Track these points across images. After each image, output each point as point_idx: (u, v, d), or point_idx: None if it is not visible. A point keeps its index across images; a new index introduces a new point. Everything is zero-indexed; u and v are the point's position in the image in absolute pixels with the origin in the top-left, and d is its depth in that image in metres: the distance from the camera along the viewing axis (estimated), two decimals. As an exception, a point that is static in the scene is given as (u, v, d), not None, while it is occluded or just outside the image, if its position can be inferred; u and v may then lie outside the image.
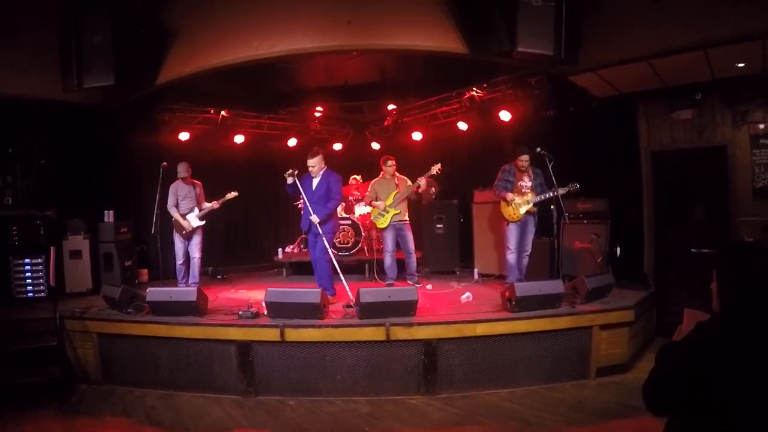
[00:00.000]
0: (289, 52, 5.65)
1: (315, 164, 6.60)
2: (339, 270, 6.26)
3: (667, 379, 1.94)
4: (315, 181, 6.62)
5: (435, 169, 7.08)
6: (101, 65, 5.75)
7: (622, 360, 5.52)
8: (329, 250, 6.37)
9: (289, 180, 6.44)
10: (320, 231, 6.32)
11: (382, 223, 7.28)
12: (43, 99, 6.38)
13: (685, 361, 1.89)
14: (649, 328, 6.46)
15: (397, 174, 7.48)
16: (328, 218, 6.52)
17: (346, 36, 5.54)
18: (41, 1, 5.91)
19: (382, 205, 7.27)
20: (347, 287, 6.00)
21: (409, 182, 7.37)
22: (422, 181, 7.13)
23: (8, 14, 6.00)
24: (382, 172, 7.51)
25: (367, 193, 7.58)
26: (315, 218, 6.34)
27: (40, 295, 6.84)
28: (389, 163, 7.41)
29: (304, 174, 6.64)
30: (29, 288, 6.95)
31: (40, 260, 6.86)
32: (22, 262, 6.92)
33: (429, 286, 7.30)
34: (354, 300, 5.54)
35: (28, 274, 6.95)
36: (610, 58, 5.71)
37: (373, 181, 7.61)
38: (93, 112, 7.07)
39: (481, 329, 5.14)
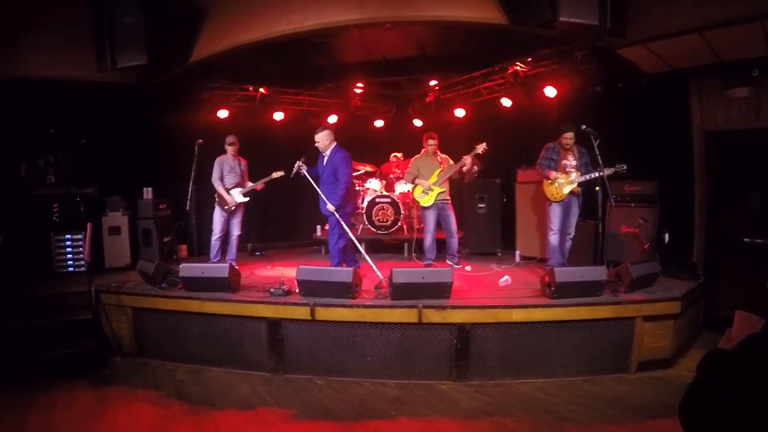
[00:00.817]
0: (321, 26, 5.52)
1: (320, 140, 6.48)
2: (362, 249, 6.19)
3: (707, 395, 1.66)
4: (324, 160, 6.51)
5: (480, 148, 6.88)
6: (134, 45, 5.80)
7: (666, 354, 5.22)
8: (348, 230, 6.32)
9: (295, 168, 6.42)
10: (338, 217, 6.27)
11: (427, 201, 7.12)
12: (80, 80, 6.46)
13: (731, 378, 1.62)
14: (696, 322, 6.11)
15: (438, 152, 7.31)
16: (344, 203, 6.38)
17: (379, 8, 5.38)
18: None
19: (427, 184, 7.10)
20: (374, 267, 5.90)
21: (451, 161, 7.20)
22: (467, 160, 6.94)
23: (42, 1, 6.12)
24: (423, 149, 7.35)
25: (409, 170, 7.38)
26: (331, 208, 6.27)
27: (80, 269, 7.00)
28: (431, 141, 7.24)
29: (321, 154, 6.57)
30: (69, 263, 7.14)
31: (80, 236, 7.02)
32: (62, 237, 7.12)
33: (468, 268, 7.14)
34: (384, 280, 5.46)
35: (69, 250, 7.14)
36: (660, 29, 5.34)
37: (414, 158, 7.44)
38: (131, 92, 7.15)
39: (517, 315, 4.95)
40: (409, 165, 7.43)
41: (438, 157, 7.25)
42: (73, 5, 6.13)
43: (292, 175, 6.50)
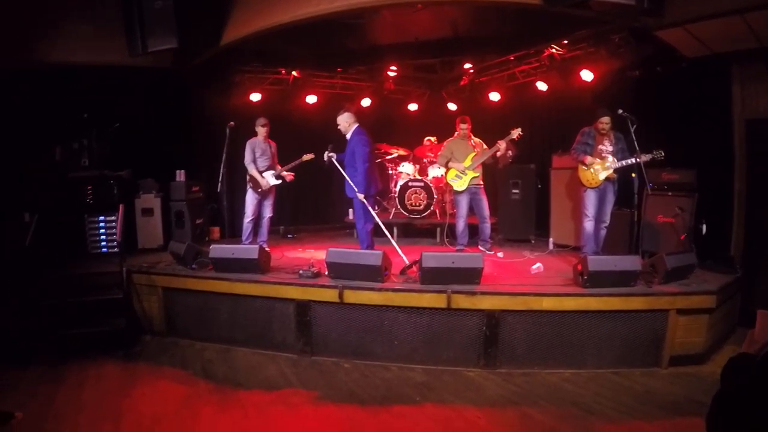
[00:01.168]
0: (350, 7, 5.47)
1: (341, 122, 6.40)
2: (387, 233, 6.18)
3: (733, 406, 1.55)
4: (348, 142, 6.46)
5: (515, 133, 6.80)
6: (164, 29, 5.87)
7: (699, 350, 5.06)
8: (374, 214, 6.33)
9: (325, 157, 6.44)
10: (366, 203, 6.28)
11: (460, 185, 7.03)
12: (113, 65, 6.57)
13: (757, 386, 1.51)
14: (731, 318, 5.90)
15: (471, 136, 7.23)
16: (368, 185, 6.29)
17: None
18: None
19: (461, 167, 7.01)
20: (400, 251, 5.87)
21: (485, 145, 7.11)
22: (502, 145, 6.84)
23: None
24: (456, 132, 7.27)
25: (442, 152, 7.28)
26: (360, 196, 6.22)
27: (113, 250, 7.13)
28: (463, 125, 7.15)
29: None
30: (103, 244, 7.28)
31: (113, 218, 7.13)
32: (96, 219, 7.26)
33: (500, 254, 7.07)
34: (411, 265, 5.43)
35: (102, 231, 7.28)
36: (699, 10, 5.13)
37: (447, 141, 7.35)
38: (164, 76, 7.25)
39: (548, 303, 4.86)
40: (442, 148, 7.34)
41: (471, 141, 7.16)
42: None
43: (326, 163, 6.51)
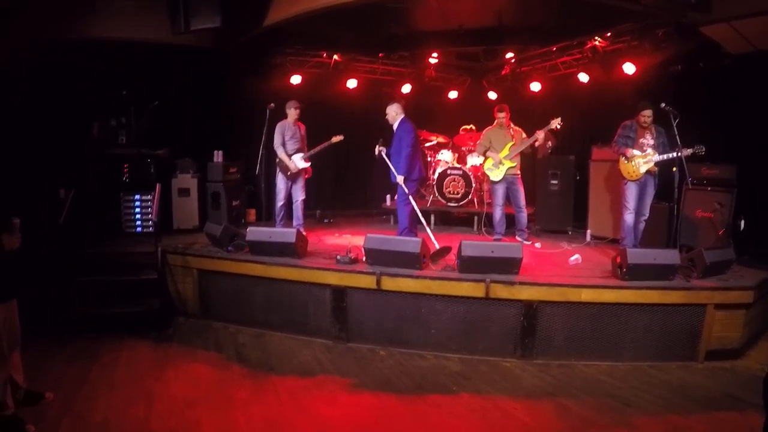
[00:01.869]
0: (398, -10, 5.43)
1: (389, 113, 6.60)
2: (423, 219, 6.23)
3: None
4: (394, 132, 6.58)
5: (555, 123, 6.75)
6: (207, 7, 5.84)
7: (735, 345, 5.06)
8: (411, 198, 6.37)
9: (376, 151, 6.55)
10: (404, 186, 6.35)
11: (496, 175, 7.03)
12: (154, 42, 6.56)
13: None
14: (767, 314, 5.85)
15: (511, 124, 7.19)
16: (410, 169, 6.39)
17: (456, -28, 5.24)
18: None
19: (498, 157, 6.99)
20: (432, 237, 5.89)
21: (524, 134, 7.08)
22: (540, 135, 6.81)
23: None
24: (496, 121, 7.23)
25: (480, 141, 7.27)
26: (400, 179, 6.33)
27: (148, 230, 7.16)
28: (501, 114, 7.11)
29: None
30: (138, 223, 7.32)
31: (149, 197, 7.16)
32: (132, 198, 7.29)
33: (538, 245, 7.04)
34: (442, 251, 5.46)
35: (138, 210, 7.31)
36: (746, 7, 5.12)
37: (486, 129, 7.32)
38: (204, 55, 7.23)
39: (586, 295, 4.85)
40: (481, 137, 7.32)
41: (510, 130, 7.12)
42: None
43: (376, 156, 6.64)
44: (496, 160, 7.00)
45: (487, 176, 7.26)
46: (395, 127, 6.55)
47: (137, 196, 7.27)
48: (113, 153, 7.26)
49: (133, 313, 5.57)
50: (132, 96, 7.37)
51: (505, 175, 6.99)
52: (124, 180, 7.31)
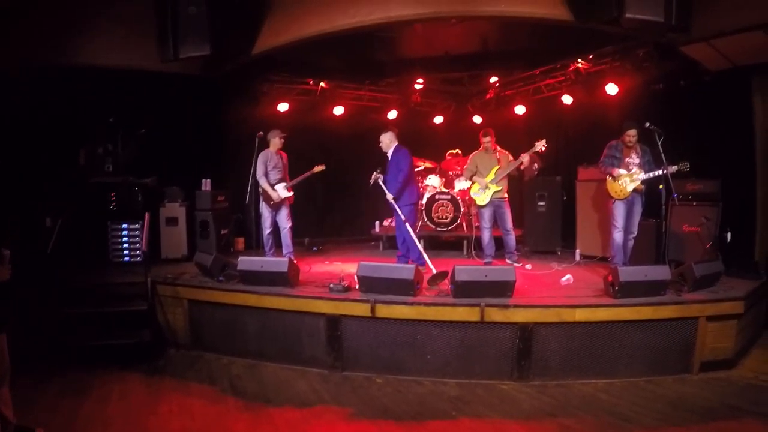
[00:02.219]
0: (387, 20, 5.49)
1: (383, 140, 6.78)
2: (418, 244, 6.28)
3: None
4: (389, 159, 6.75)
5: (539, 145, 6.82)
6: (196, 35, 5.81)
7: (728, 355, 5.13)
8: (406, 224, 6.42)
9: (372, 178, 6.61)
10: (396, 208, 6.43)
11: (483, 199, 7.09)
12: (142, 70, 6.53)
13: None
14: (758, 322, 5.98)
15: (498, 147, 7.25)
16: (401, 192, 6.56)
17: (444, 3, 5.37)
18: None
19: (484, 182, 7.04)
20: (429, 262, 5.90)
21: (511, 157, 7.13)
22: (525, 158, 6.90)
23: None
24: (481, 145, 7.29)
25: (467, 166, 7.36)
26: (389, 196, 6.48)
27: (135, 259, 7.10)
28: (486, 138, 7.17)
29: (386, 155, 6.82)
30: (125, 252, 7.24)
31: (136, 226, 7.10)
32: (119, 227, 7.21)
33: (528, 266, 7.08)
34: (441, 274, 5.44)
35: (125, 239, 7.23)
36: (724, 25, 5.29)
37: (473, 154, 7.39)
38: (192, 83, 7.23)
39: (580, 315, 4.88)
40: (468, 161, 7.39)
41: (497, 154, 7.17)
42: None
43: (371, 184, 6.68)
44: (482, 185, 7.06)
45: (474, 201, 7.31)
46: (390, 154, 6.72)
47: (125, 225, 7.20)
48: (100, 181, 7.19)
49: (123, 345, 5.48)
50: (119, 123, 7.33)
51: (491, 199, 7.05)
52: (111, 208, 7.22)
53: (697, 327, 4.99)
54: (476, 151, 7.34)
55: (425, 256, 6.20)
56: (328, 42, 6.14)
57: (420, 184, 9.43)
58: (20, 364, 4.08)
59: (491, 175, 7.03)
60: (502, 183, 7.04)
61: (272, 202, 7.06)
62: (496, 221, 7.20)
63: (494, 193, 7.02)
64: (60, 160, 6.99)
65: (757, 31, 5.19)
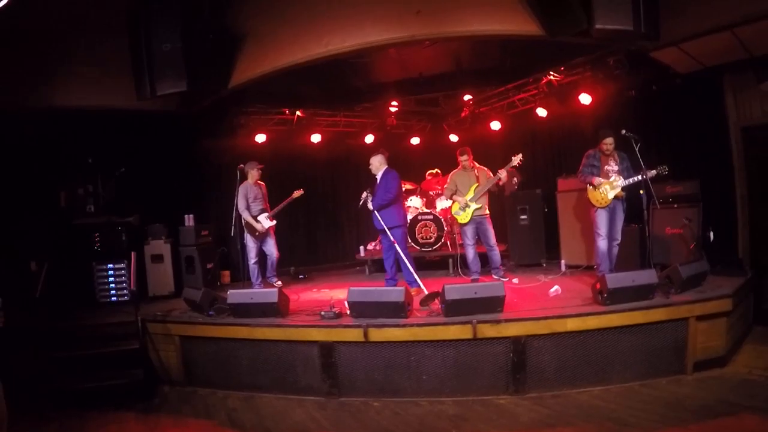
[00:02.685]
0: (360, 46, 5.55)
1: (372, 163, 6.88)
2: (410, 265, 6.33)
3: None
4: (378, 181, 6.81)
5: (516, 160, 6.87)
6: (172, 72, 5.81)
7: (720, 353, 5.18)
8: (396, 245, 6.49)
9: (362, 198, 6.74)
10: (387, 229, 6.47)
11: (464, 218, 7.11)
12: (120, 109, 6.54)
13: None
14: (747, 317, 6.05)
15: (476, 164, 7.30)
16: (382, 208, 6.62)
17: (417, 26, 5.41)
18: (110, 14, 6.03)
19: (464, 201, 7.08)
20: (421, 284, 5.93)
21: (490, 174, 7.17)
22: (503, 174, 6.92)
23: (80, 30, 6.18)
24: (459, 164, 7.35)
25: (446, 186, 7.40)
26: (369, 205, 6.62)
27: (123, 299, 7.05)
28: (463, 156, 7.22)
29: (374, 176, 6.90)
30: (112, 292, 7.18)
31: (122, 265, 7.07)
32: (105, 267, 7.16)
33: (515, 280, 7.10)
34: (433, 295, 5.45)
35: (111, 279, 7.18)
36: (692, 29, 5.37)
37: (451, 173, 7.43)
38: (170, 119, 7.24)
39: (571, 324, 4.91)
40: (447, 181, 7.44)
41: (475, 171, 7.22)
42: (110, 34, 6.19)
43: (360, 206, 6.80)
44: (462, 203, 7.10)
45: (455, 219, 7.33)
46: (379, 176, 6.79)
47: (110, 265, 7.14)
48: (83, 222, 7.15)
49: (117, 385, 5.43)
50: (98, 163, 7.31)
51: (472, 216, 7.07)
52: (95, 249, 7.17)
53: (687, 327, 5.03)
54: (455, 170, 7.40)
55: (416, 276, 6.22)
56: (303, 70, 6.18)
57: (402, 206, 9.57)
58: (15, 410, 4.02)
59: (470, 193, 7.07)
60: (481, 200, 7.06)
61: (257, 233, 7.20)
62: (479, 238, 7.22)
63: (475, 210, 7.04)
64: (41, 202, 6.95)
65: (724, 32, 5.30)
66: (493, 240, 7.13)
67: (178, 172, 8.25)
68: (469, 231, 7.14)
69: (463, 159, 7.21)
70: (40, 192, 6.94)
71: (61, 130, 6.91)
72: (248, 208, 7.19)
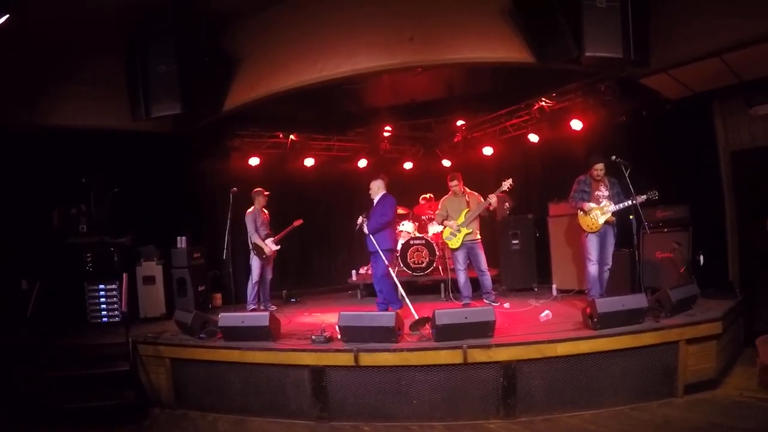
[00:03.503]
0: (354, 72, 5.61)
1: (372, 187, 7.08)
2: (401, 289, 6.36)
3: None
4: (374, 205, 6.94)
5: (506, 185, 6.90)
6: (168, 94, 5.85)
7: (711, 375, 5.20)
8: (388, 267, 6.64)
9: (358, 221, 6.85)
10: (380, 252, 6.56)
11: (454, 243, 7.13)
12: (114, 129, 6.58)
13: None
14: (738, 340, 6.10)
15: (467, 190, 7.33)
16: (376, 231, 6.73)
17: (410, 53, 5.48)
18: (107, 35, 6.08)
19: (455, 225, 7.11)
20: (411, 307, 5.96)
21: (481, 199, 7.20)
22: (493, 199, 6.95)
23: (76, 50, 6.22)
24: (450, 190, 7.38)
25: (438, 212, 7.44)
26: (365, 229, 6.72)
27: (114, 320, 7.01)
28: (453, 182, 7.26)
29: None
30: (104, 313, 7.14)
31: (114, 286, 7.03)
32: (96, 288, 7.12)
33: (507, 305, 7.09)
34: (423, 320, 5.46)
35: (103, 300, 7.13)
36: (681, 56, 5.48)
37: (443, 199, 7.48)
38: (164, 141, 7.29)
39: (562, 349, 4.92)
40: (438, 206, 7.48)
41: (466, 196, 7.24)
42: (107, 55, 6.24)
43: (356, 231, 6.91)
44: (454, 228, 7.12)
45: (447, 245, 7.35)
46: (376, 200, 6.93)
47: (102, 286, 7.11)
48: (75, 242, 7.12)
49: (107, 407, 5.38)
50: (91, 183, 7.31)
51: (463, 241, 7.09)
52: (87, 269, 7.14)
53: (677, 351, 5.06)
54: (446, 196, 7.44)
55: (408, 301, 6.23)
56: (298, 95, 6.23)
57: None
58: (4, 429, 3.99)
59: (461, 218, 7.10)
60: (472, 225, 7.09)
61: (264, 256, 7.47)
62: (471, 262, 7.22)
63: (466, 235, 7.06)
64: (34, 222, 6.93)
65: (713, 59, 5.39)
66: (484, 265, 7.14)
67: (172, 193, 8.24)
68: (460, 256, 7.15)
69: (453, 184, 7.25)
70: (32, 210, 6.93)
71: (55, 149, 6.94)
72: (257, 231, 7.48)
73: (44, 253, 6.87)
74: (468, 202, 7.17)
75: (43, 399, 5.35)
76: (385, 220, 6.69)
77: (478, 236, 7.18)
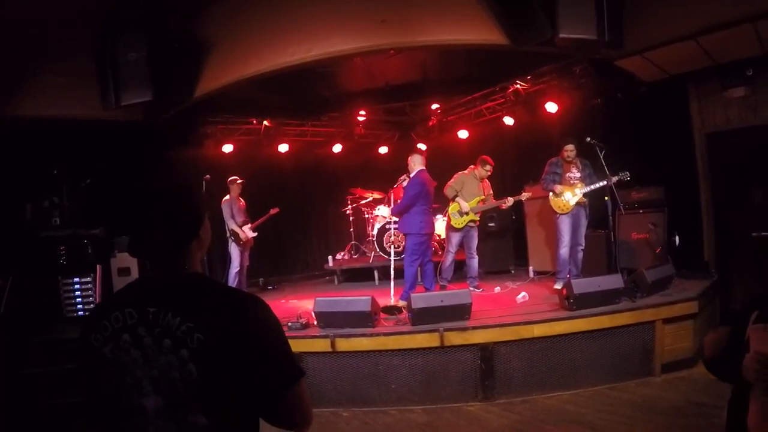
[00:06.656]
0: (325, 56, 5.51)
1: (408, 164, 6.71)
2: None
3: None
4: None
5: (525, 196, 6.96)
6: (138, 82, 5.71)
7: (688, 354, 5.27)
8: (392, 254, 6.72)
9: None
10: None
11: (459, 223, 6.94)
12: (84, 119, 6.43)
13: None
14: (714, 319, 6.14)
15: (487, 181, 7.24)
16: (399, 214, 6.61)
17: (382, 35, 5.39)
18: (75, 22, 5.93)
19: (467, 207, 6.92)
20: (392, 291, 5.97)
21: (491, 191, 7.18)
22: (510, 201, 6.93)
23: (44, 37, 6.05)
24: (470, 168, 7.21)
25: (452, 184, 7.11)
26: (387, 210, 6.79)
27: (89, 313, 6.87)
28: (488, 167, 7.06)
29: None
30: (79, 307, 6.98)
31: (89, 279, 6.87)
32: (71, 281, 6.95)
33: (497, 288, 7.06)
34: (399, 305, 5.50)
35: (78, 293, 6.97)
36: (656, 38, 5.44)
37: (460, 173, 7.21)
38: (136, 130, 7.11)
39: (539, 330, 4.95)
40: (454, 178, 7.18)
41: (482, 183, 7.14)
42: (76, 42, 6.07)
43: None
44: (464, 209, 6.92)
45: (449, 220, 7.13)
46: (411, 176, 6.65)
47: (76, 279, 6.95)
48: (48, 235, 6.94)
49: (83, 402, 5.29)
50: (63, 174, 7.15)
51: (466, 224, 6.97)
52: (61, 263, 6.99)
53: (654, 330, 5.11)
54: (465, 172, 7.22)
55: (392, 284, 6.21)
56: (270, 80, 6.13)
57: (369, 215, 9.48)
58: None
59: (474, 203, 6.96)
60: (479, 215, 7.06)
61: (241, 242, 7.48)
62: (462, 245, 7.13)
63: (470, 221, 6.97)
64: (4, 215, 6.78)
65: (688, 41, 5.38)
66: (475, 246, 7.10)
67: (146, 183, 8.07)
68: (456, 237, 7.04)
69: (487, 169, 7.06)
70: (3, 204, 6.78)
71: (25, 140, 6.76)
72: (233, 217, 7.48)
73: (16, 247, 6.72)
74: (483, 191, 7.09)
75: (21, 396, 5.27)
76: (402, 203, 6.49)
77: (478, 219, 7.14)
